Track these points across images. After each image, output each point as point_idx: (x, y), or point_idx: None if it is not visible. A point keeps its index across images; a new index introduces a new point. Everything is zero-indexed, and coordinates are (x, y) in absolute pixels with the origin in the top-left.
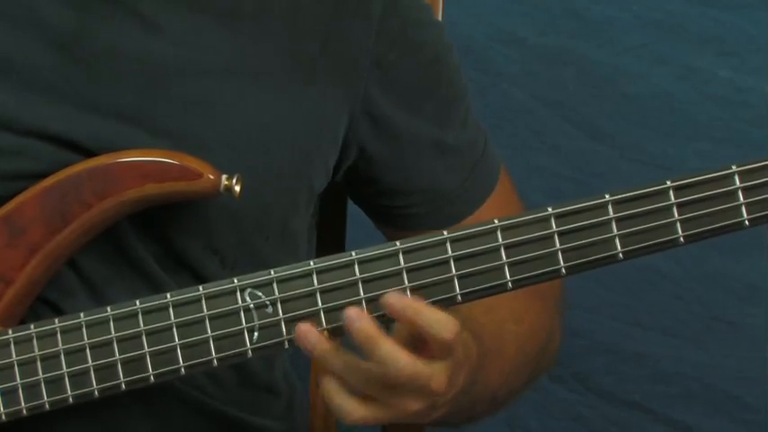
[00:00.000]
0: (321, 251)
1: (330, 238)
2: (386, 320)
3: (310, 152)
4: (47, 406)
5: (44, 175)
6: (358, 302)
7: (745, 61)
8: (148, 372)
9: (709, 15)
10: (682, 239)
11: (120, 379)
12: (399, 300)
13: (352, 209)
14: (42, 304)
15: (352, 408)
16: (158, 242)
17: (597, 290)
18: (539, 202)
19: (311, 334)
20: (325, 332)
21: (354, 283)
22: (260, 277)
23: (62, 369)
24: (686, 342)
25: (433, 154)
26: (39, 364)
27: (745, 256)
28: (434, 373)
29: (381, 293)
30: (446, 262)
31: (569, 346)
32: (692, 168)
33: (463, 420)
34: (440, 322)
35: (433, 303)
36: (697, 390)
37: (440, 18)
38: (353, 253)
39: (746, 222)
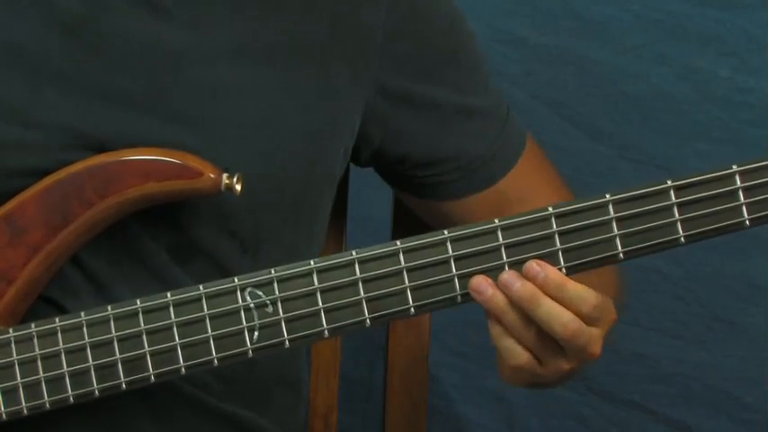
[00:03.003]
0: (321, 251)
1: (330, 239)
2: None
3: (323, 135)
4: (47, 405)
5: (48, 172)
6: (359, 302)
7: (745, 61)
8: (149, 371)
9: (710, 15)
10: (682, 239)
11: (120, 378)
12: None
13: (352, 209)
14: (45, 303)
15: (517, 352)
16: (170, 231)
17: None
18: None
19: (486, 286)
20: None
21: (355, 283)
22: (260, 276)
23: (62, 368)
24: (686, 342)
25: (459, 120)
26: (39, 363)
27: (745, 256)
28: (593, 336)
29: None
30: (446, 261)
31: None
32: (692, 168)
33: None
34: (581, 297)
35: (433, 304)
36: (697, 390)
37: None
38: (354, 252)
39: (747, 222)
